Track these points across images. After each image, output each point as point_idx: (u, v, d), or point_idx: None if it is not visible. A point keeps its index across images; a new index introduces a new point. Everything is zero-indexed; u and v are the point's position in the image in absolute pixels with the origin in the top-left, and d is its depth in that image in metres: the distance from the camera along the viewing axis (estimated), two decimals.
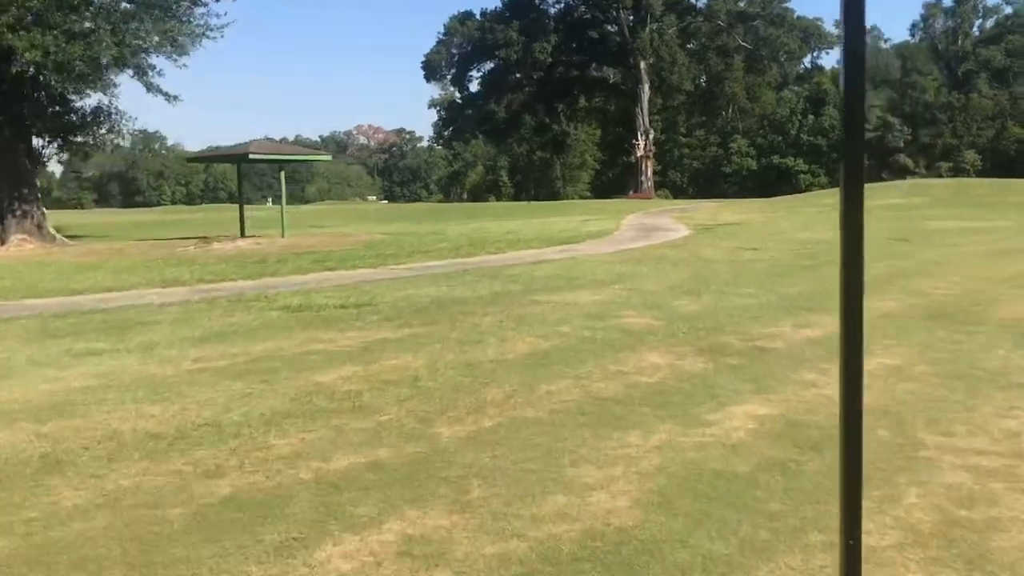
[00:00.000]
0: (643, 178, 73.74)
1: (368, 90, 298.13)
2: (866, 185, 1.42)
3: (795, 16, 77.18)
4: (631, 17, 72.05)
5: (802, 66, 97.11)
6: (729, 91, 76.81)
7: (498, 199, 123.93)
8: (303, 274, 16.30)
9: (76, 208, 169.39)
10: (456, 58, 71.95)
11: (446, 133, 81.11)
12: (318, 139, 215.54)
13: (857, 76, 1.36)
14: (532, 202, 76.61)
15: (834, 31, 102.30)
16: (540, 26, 67.70)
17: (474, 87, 75.41)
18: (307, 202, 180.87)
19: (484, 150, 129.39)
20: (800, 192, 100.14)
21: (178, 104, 27.48)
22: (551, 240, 23.41)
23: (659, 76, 73.10)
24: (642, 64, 72.12)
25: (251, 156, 27.75)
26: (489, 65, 73.62)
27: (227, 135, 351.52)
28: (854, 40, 1.39)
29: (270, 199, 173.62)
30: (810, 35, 76.80)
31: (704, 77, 77.59)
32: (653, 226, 29.66)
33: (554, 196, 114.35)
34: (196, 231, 33.57)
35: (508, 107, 77.14)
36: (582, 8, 71.66)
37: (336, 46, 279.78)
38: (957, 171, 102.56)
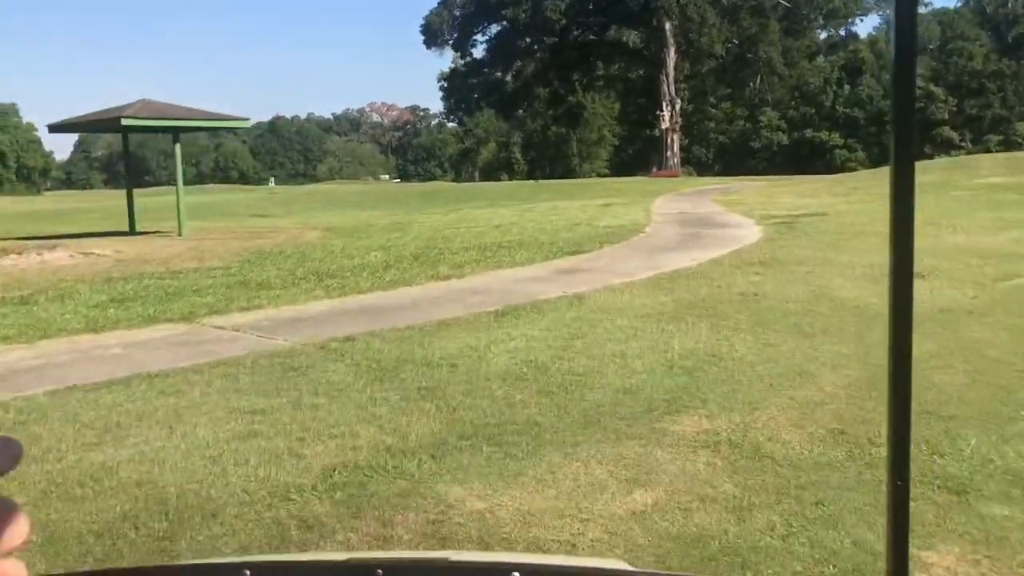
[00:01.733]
0: (669, 153, 64.72)
1: (382, 66, 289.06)
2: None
3: None
4: None
5: (831, 33, 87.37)
6: (764, 56, 67.36)
7: (511, 177, 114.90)
8: None
9: (84, 188, 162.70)
10: (459, 20, 63.05)
11: (450, 104, 72.24)
12: (331, 117, 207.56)
13: (909, 43, 1.19)
14: (545, 181, 67.77)
15: None
16: None
17: (479, 53, 66.42)
18: (318, 180, 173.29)
19: (496, 126, 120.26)
20: (839, 169, 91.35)
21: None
22: (553, 244, 14.86)
23: (686, 39, 63.83)
24: (667, 25, 62.88)
25: (126, 122, 19.11)
26: (495, 28, 64.63)
27: (242, 113, 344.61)
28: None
29: (272, 180, 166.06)
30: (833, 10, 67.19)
31: (736, 40, 68.12)
32: (697, 218, 20.91)
33: (569, 174, 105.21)
34: (67, 225, 25.16)
35: (517, 75, 68.07)
36: None
37: (348, 19, 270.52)
38: (1008, 144, 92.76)
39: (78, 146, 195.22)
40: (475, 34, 64.48)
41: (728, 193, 33.09)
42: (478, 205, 31.30)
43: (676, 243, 14.94)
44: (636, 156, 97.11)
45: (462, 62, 65.99)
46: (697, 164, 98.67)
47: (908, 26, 1.20)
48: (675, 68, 64.49)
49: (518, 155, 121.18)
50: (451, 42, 63.82)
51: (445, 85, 67.05)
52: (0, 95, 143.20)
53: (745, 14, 67.71)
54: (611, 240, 15.49)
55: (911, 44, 1.20)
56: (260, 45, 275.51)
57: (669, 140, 64.76)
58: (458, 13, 62.87)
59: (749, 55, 68.91)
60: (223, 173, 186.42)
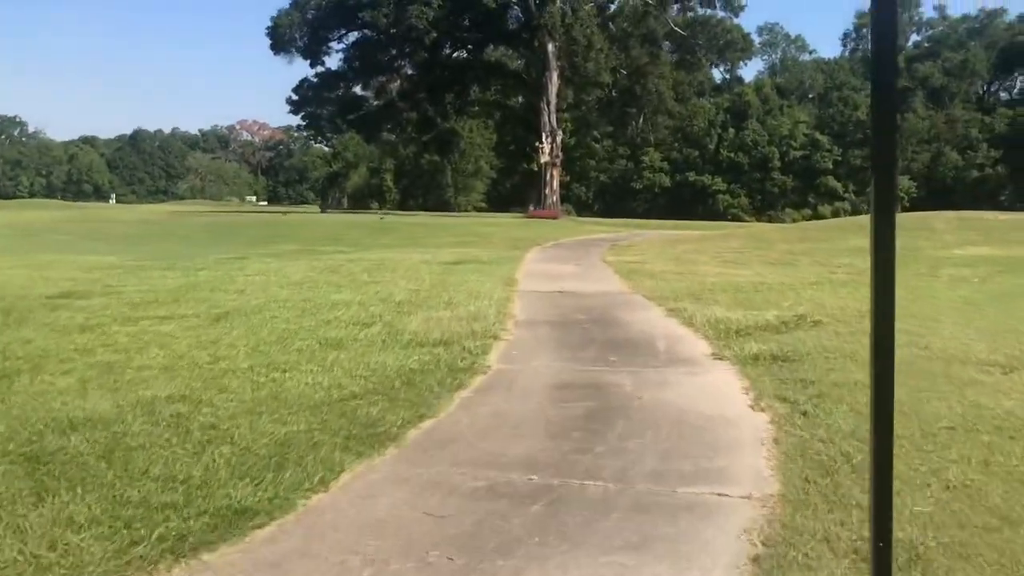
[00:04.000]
0: (548, 190, 55.94)
1: (257, 83, 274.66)
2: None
3: (717, 17, 60.36)
4: None
5: (725, 67, 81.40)
6: (654, 88, 59.62)
7: (382, 206, 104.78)
8: None
9: None
10: (311, 23, 52.88)
11: (299, 120, 61.70)
12: (197, 133, 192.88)
13: (888, 73, 1.16)
14: (405, 214, 57.98)
15: (757, 38, 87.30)
16: None
17: (334, 63, 56.18)
18: (180, 199, 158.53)
19: (367, 150, 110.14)
20: (719, 215, 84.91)
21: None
22: (253, 434, 5.54)
23: (571, 63, 55.40)
24: (550, 47, 54.29)
25: None
26: (354, 35, 54.61)
27: (101, 124, 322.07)
28: (883, 30, 1.18)
29: (113, 197, 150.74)
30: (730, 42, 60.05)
31: (624, 69, 60.22)
32: (595, 316, 11.50)
33: (444, 206, 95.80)
34: None
35: (380, 93, 58.21)
36: None
37: (222, 32, 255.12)
38: None
39: None
40: (329, 40, 54.39)
41: (622, 249, 24.09)
42: (275, 253, 21.34)
43: (560, 434, 5.53)
44: (514, 190, 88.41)
45: (313, 72, 55.77)
46: (576, 203, 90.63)
47: (889, 69, 1.10)
48: (557, 95, 55.93)
49: (390, 183, 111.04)
50: (301, 48, 53.61)
51: (294, 98, 56.70)
52: None
53: (635, 42, 59.96)
54: (411, 403, 6.10)
55: (891, 87, 1.09)
56: (124, 50, 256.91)
57: (548, 176, 56.04)
58: (310, 15, 52.71)
59: (637, 87, 61.08)
60: (76, 187, 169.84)
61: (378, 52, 54.77)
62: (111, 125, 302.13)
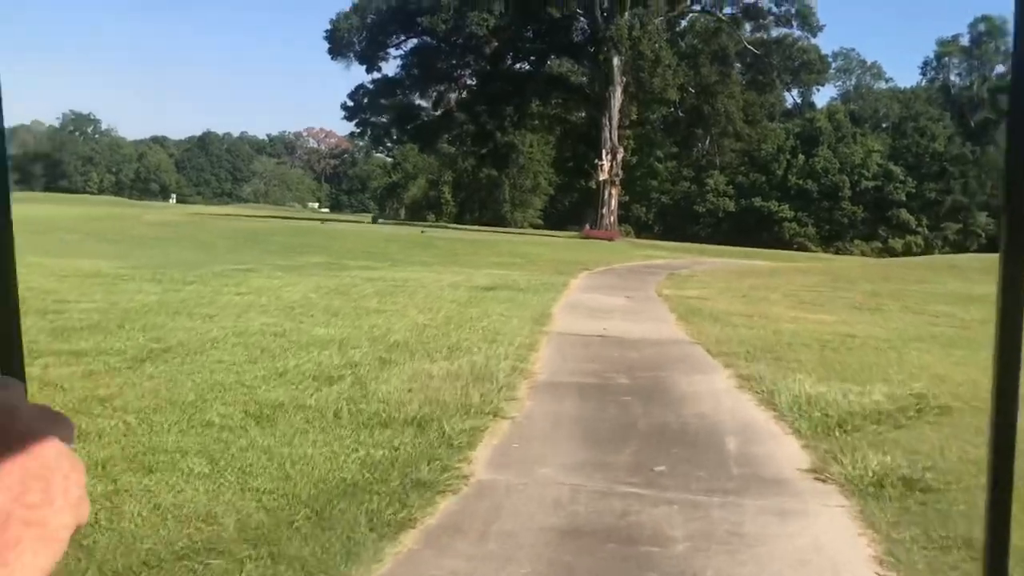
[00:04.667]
0: (605, 210, 53.05)
1: (326, 90, 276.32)
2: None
3: (793, 36, 56.93)
4: (606, 1, 51.53)
5: (800, 91, 77.76)
6: (722, 109, 56.40)
7: (438, 218, 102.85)
8: None
9: None
10: (369, 28, 50.79)
11: (355, 128, 59.62)
12: (264, 137, 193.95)
13: None
14: (454, 228, 55.66)
15: (832, 63, 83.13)
16: None
17: (392, 70, 54.03)
18: (244, 202, 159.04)
19: (427, 162, 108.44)
20: (784, 243, 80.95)
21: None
22: None
23: (636, 79, 52.52)
24: (615, 60, 51.50)
25: None
26: (413, 42, 52.38)
27: (169, 125, 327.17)
28: None
29: (174, 197, 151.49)
30: (806, 63, 56.46)
31: (692, 87, 57.15)
32: (648, 364, 8.78)
33: (500, 222, 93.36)
34: None
35: (438, 103, 55.93)
36: None
37: (289, 39, 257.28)
38: (966, 234, 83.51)
39: None
40: (388, 46, 52.23)
41: (681, 281, 21.20)
42: (291, 266, 18.94)
43: None
44: (572, 208, 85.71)
45: (369, 79, 53.67)
46: (636, 224, 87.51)
47: None
48: (620, 111, 53.09)
49: (447, 195, 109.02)
50: (355, 53, 51.57)
51: (349, 104, 54.76)
52: None
53: (705, 59, 56.85)
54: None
55: None
56: (197, 57, 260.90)
57: (607, 194, 53.17)
58: (370, 20, 50.62)
59: (705, 106, 57.94)
60: (144, 185, 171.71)
61: (437, 60, 52.48)
62: (182, 127, 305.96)
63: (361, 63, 52.42)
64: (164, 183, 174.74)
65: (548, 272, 21.53)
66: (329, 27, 52.06)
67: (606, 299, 16.14)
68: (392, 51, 53.19)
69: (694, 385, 8.17)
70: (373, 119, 56.48)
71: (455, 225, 77.24)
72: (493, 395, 6.94)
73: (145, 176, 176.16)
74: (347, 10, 51.89)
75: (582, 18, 53.32)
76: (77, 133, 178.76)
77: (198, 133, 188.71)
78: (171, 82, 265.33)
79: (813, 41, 56.89)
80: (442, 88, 55.39)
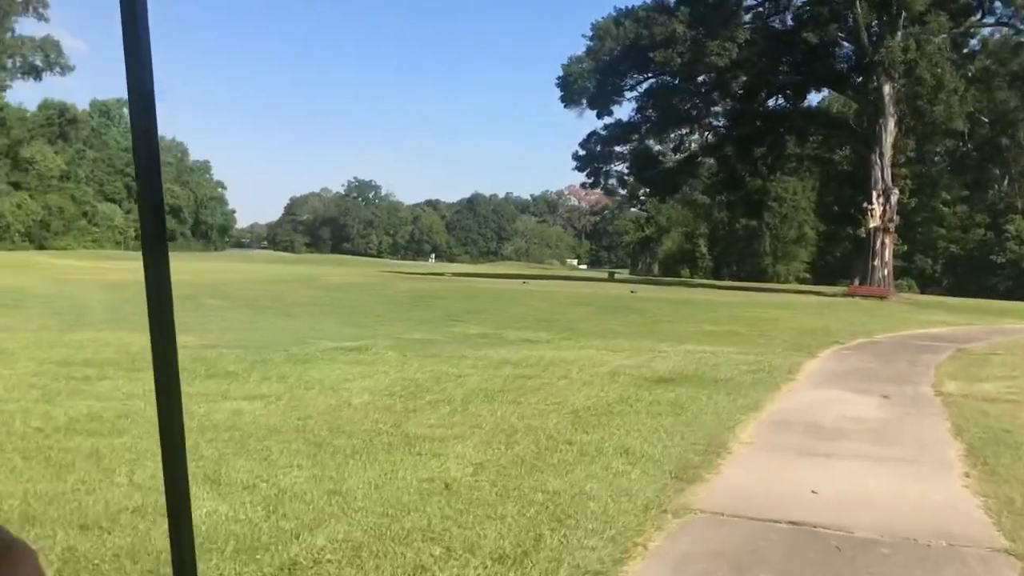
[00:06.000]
0: (876, 262, 44.70)
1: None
2: None
3: None
4: (874, 20, 43.80)
5: None
6: None
7: (693, 273, 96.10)
8: None
9: (287, 251, 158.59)
10: (600, 69, 46.22)
11: (587, 178, 54.85)
12: (528, 197, 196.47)
13: None
14: (700, 283, 49.37)
15: None
16: (722, 15, 40.29)
17: (626, 113, 49.07)
18: (506, 259, 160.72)
19: (681, 214, 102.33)
20: None
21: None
22: None
23: (913, 108, 44.14)
24: (886, 88, 43.52)
25: None
26: (650, 82, 47.06)
27: (439, 191, 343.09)
28: None
29: (433, 256, 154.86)
30: None
31: (985, 116, 47.55)
32: None
33: (760, 275, 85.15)
34: None
35: (678, 147, 50.26)
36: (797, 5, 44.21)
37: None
38: None
39: (288, 209, 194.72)
40: (621, 89, 47.37)
41: (973, 363, 14.24)
42: (424, 339, 14.34)
43: None
44: (844, 260, 76.05)
45: (601, 124, 48.99)
46: (920, 277, 76.11)
47: None
48: (893, 147, 44.79)
49: (703, 248, 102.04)
50: (587, 99, 47.13)
51: (580, 153, 50.36)
52: (196, 152, 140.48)
53: (1002, 82, 47.14)
54: None
55: None
56: (468, 125, 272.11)
57: (879, 244, 44.82)
58: (606, 58, 45.94)
59: (1003, 138, 48.03)
60: (417, 246, 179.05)
61: (672, 99, 46.93)
62: (454, 190, 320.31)
63: (592, 108, 48.05)
64: (435, 243, 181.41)
65: (776, 348, 15.40)
66: (560, 73, 48.28)
67: (846, 402, 9.99)
68: (627, 93, 48.34)
69: None
70: (606, 167, 51.82)
71: (707, 281, 70.57)
72: None
73: (418, 237, 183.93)
74: (580, 53, 47.89)
75: (844, 43, 45.83)
76: (360, 199, 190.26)
77: (467, 195, 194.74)
78: (444, 149, 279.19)
79: None
80: (683, 131, 49.72)
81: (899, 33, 43.21)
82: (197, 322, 15.17)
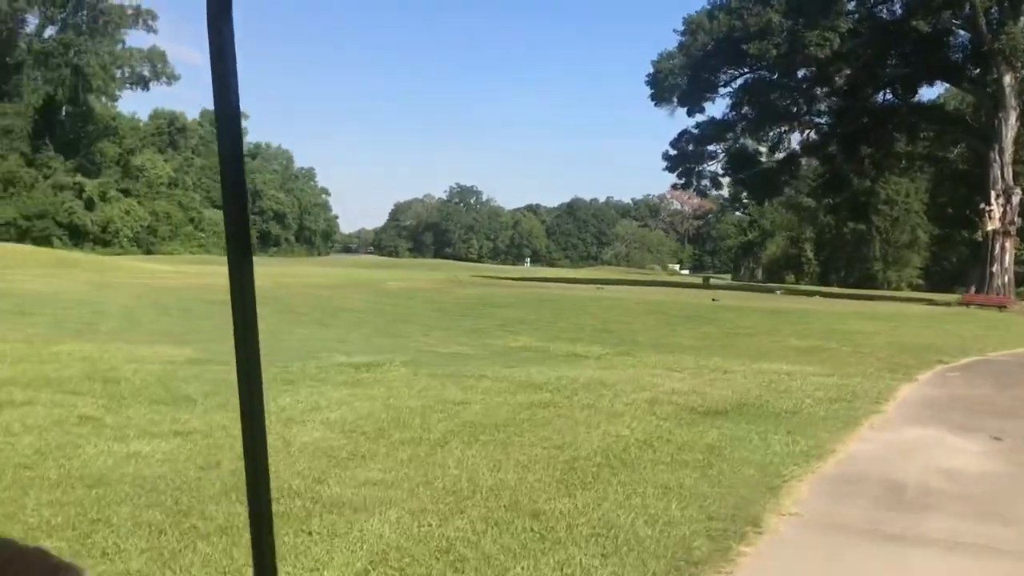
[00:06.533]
0: (995, 267, 40.72)
1: None
2: None
3: None
4: (993, 5, 39.89)
5: None
6: None
7: (799, 279, 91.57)
8: None
9: (391, 256, 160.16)
10: (691, 65, 43.52)
11: (678, 179, 51.94)
12: (629, 202, 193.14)
13: None
14: (805, 288, 45.99)
15: None
16: (822, 4, 37.11)
17: (720, 111, 46.17)
18: (606, 264, 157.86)
19: (786, 218, 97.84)
20: None
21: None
22: None
23: None
24: (1007, 79, 39.57)
25: None
26: (746, 77, 44.03)
27: (540, 195, 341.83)
28: None
29: (528, 260, 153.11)
30: None
31: None
32: None
33: (870, 282, 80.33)
34: None
35: (776, 146, 47.12)
36: None
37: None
38: None
39: (392, 215, 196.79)
40: (715, 84, 44.55)
41: None
42: (452, 353, 12.59)
43: None
44: (960, 265, 70.77)
45: (693, 122, 46.17)
46: None
47: None
48: (1015, 143, 40.73)
49: (809, 253, 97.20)
50: (677, 96, 44.48)
51: (671, 153, 47.67)
52: (300, 160, 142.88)
53: None
54: None
55: None
56: (569, 129, 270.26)
57: (998, 248, 40.82)
58: (698, 54, 43.22)
59: None
60: (517, 250, 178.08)
61: (772, 94, 43.88)
62: (554, 195, 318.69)
63: (683, 105, 45.40)
64: (535, 248, 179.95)
65: (868, 369, 13.00)
66: (651, 70, 45.82)
67: (944, 447, 7.71)
68: (720, 90, 45.52)
69: None
70: (699, 167, 48.98)
71: (812, 287, 66.74)
72: None
73: (518, 242, 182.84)
74: (671, 48, 45.32)
75: (959, 31, 41.96)
76: (462, 204, 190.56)
77: (568, 199, 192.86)
78: (545, 153, 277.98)
79: None
80: (782, 129, 46.52)
81: (1022, 19, 39.30)
82: (209, 330, 13.77)
